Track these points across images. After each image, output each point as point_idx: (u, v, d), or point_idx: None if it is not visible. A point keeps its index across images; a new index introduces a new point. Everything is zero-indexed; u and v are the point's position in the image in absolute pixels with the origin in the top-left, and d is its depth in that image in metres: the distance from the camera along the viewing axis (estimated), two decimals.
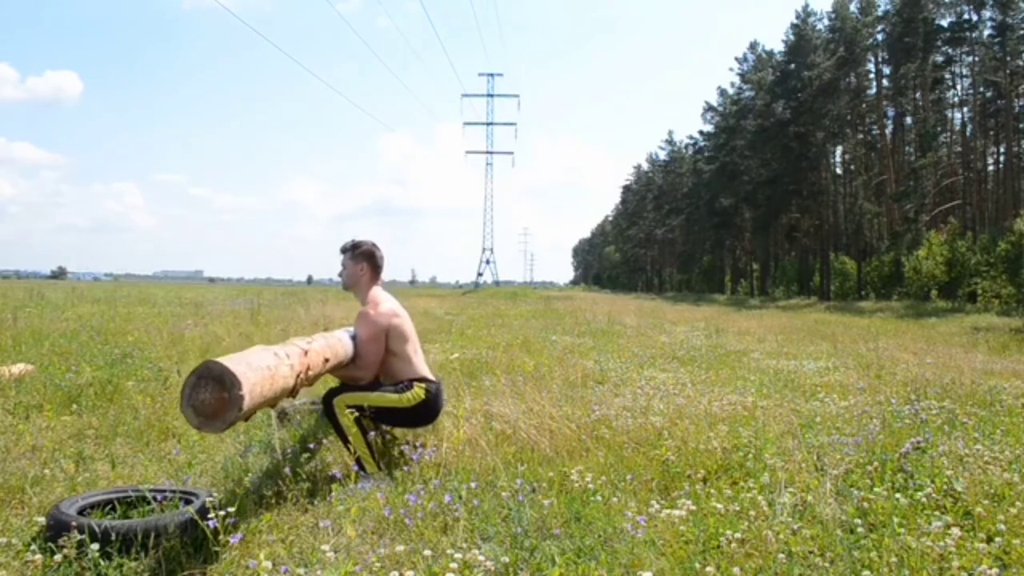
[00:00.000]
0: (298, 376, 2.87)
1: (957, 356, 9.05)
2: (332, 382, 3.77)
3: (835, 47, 39.59)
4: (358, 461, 3.41)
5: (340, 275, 3.86)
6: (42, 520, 2.69)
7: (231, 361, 2.40)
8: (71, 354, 7.22)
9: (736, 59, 55.03)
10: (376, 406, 3.52)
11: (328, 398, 3.51)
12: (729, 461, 3.56)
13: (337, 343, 3.47)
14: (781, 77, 43.81)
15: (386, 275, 3.91)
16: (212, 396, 2.33)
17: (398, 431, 4.11)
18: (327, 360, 3.24)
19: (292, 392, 2.88)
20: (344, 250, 3.84)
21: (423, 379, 3.68)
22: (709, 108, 58.99)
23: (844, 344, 11.16)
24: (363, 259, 3.79)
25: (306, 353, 3.00)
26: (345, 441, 3.46)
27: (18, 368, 5.88)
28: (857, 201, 39.98)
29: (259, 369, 2.52)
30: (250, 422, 4.70)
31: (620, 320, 16.64)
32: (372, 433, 3.43)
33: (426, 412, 3.65)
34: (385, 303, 3.71)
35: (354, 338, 3.68)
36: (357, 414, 3.44)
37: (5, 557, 2.48)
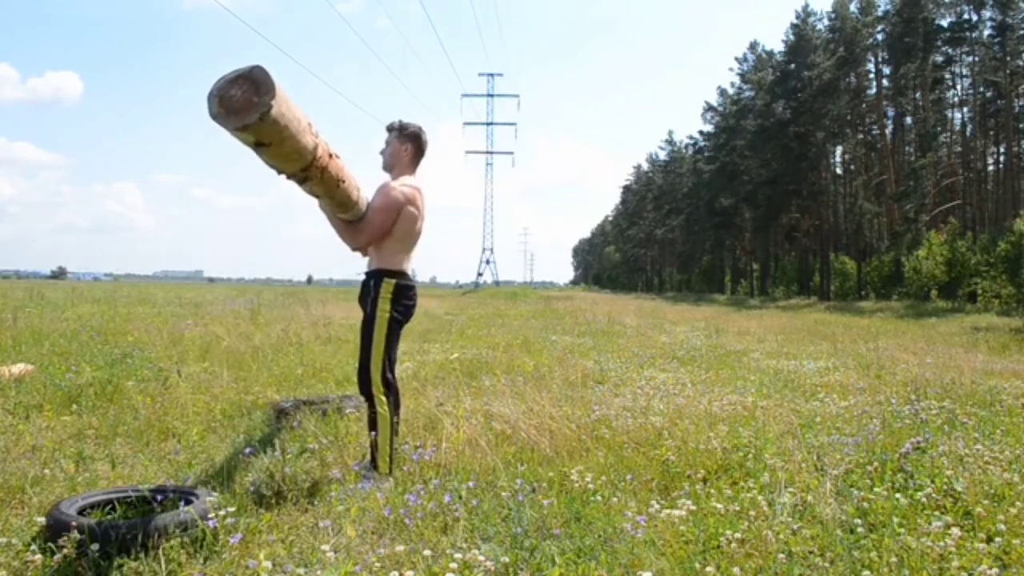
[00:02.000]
0: (316, 151, 2.79)
1: (957, 356, 9.04)
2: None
3: (835, 47, 39.59)
4: (373, 455, 3.39)
5: (381, 153, 3.73)
6: (42, 520, 2.69)
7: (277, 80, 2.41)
8: (71, 354, 7.23)
9: (736, 59, 55.12)
10: (385, 341, 3.48)
11: (365, 388, 3.48)
12: (729, 461, 3.56)
13: (355, 185, 3.36)
14: (781, 77, 43.80)
15: (419, 169, 3.80)
16: (243, 95, 2.33)
17: (399, 429, 4.11)
18: (341, 182, 3.14)
19: (307, 167, 2.80)
20: (391, 128, 3.72)
21: (400, 274, 3.58)
22: (709, 108, 59.03)
23: (844, 344, 11.16)
24: (409, 140, 3.68)
25: (331, 156, 2.95)
26: (373, 426, 3.43)
27: (18, 368, 5.89)
28: (857, 201, 39.98)
29: (295, 108, 2.52)
30: (250, 422, 4.71)
31: (620, 320, 16.64)
32: (397, 439, 3.42)
33: (403, 309, 3.57)
34: (412, 188, 3.59)
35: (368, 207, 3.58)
36: (393, 398, 3.42)
37: (5, 557, 2.47)
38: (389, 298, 3.51)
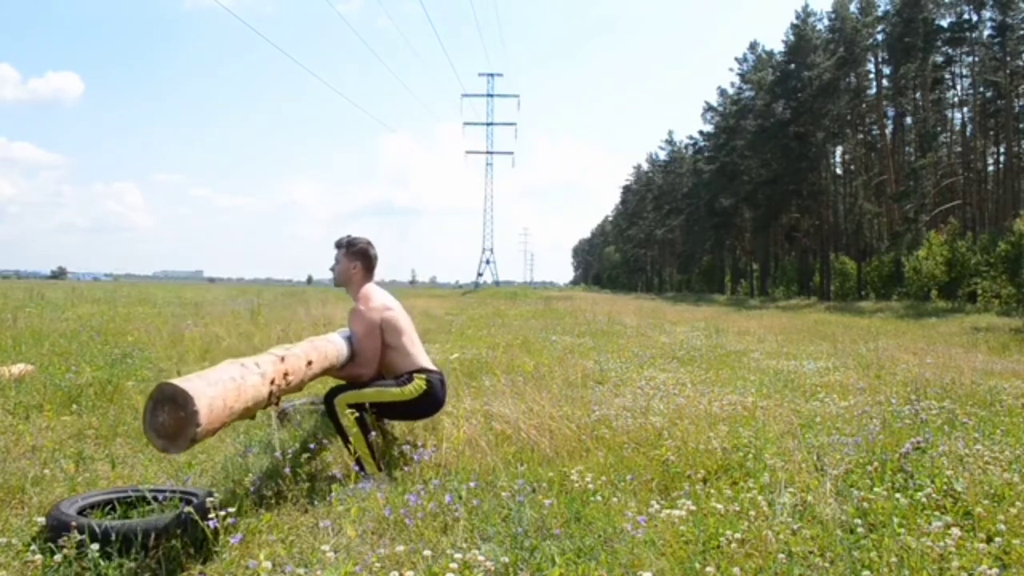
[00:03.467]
0: (272, 382, 2.85)
1: (957, 356, 9.04)
2: (333, 382, 3.77)
3: (835, 47, 39.60)
4: (358, 461, 3.41)
5: (332, 269, 3.84)
6: (42, 520, 2.69)
7: (185, 380, 2.41)
8: (71, 354, 7.22)
9: (736, 59, 55.10)
10: (378, 402, 3.52)
11: (329, 397, 3.51)
12: (729, 461, 3.55)
13: (325, 344, 3.46)
14: (781, 77, 43.81)
15: (386, 275, 3.92)
16: (170, 417, 2.33)
17: (398, 429, 4.12)
18: (310, 363, 3.21)
19: (269, 400, 2.86)
20: (339, 245, 3.81)
21: (423, 370, 3.66)
22: (709, 108, 59.01)
23: (844, 344, 11.16)
24: (357, 257, 3.78)
25: (282, 359, 2.99)
26: (346, 441, 3.46)
27: (18, 368, 5.89)
28: (857, 201, 39.98)
29: (219, 383, 2.51)
30: (250, 422, 4.71)
31: (620, 320, 16.64)
32: (373, 433, 3.43)
33: (428, 403, 3.64)
34: (376, 298, 3.69)
35: (349, 339, 3.67)
36: (358, 414, 3.43)
37: (5, 557, 2.47)
38: (422, 389, 3.59)
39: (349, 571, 2.20)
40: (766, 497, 2.93)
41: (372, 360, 3.63)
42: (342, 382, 3.65)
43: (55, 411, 4.64)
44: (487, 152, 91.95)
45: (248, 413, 2.77)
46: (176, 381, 2.38)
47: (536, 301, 30.87)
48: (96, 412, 4.74)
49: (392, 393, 3.55)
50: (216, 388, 2.47)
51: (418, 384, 3.58)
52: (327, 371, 3.49)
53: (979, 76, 36.18)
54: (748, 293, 53.07)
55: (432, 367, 3.75)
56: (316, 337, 3.64)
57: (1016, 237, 24.85)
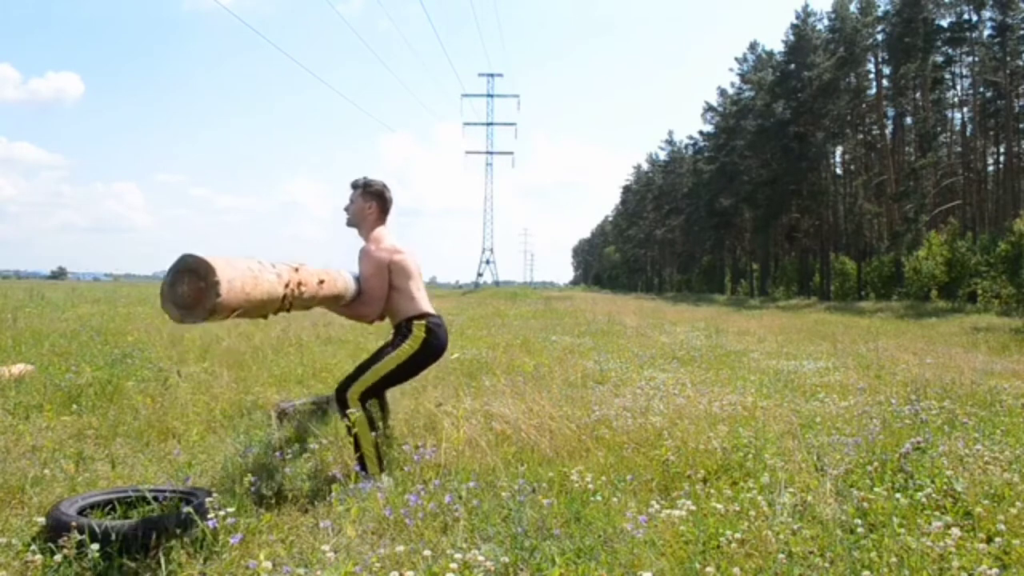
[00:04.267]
0: (287, 286, 2.83)
1: (957, 356, 9.05)
2: (340, 374, 3.73)
3: (835, 47, 39.60)
4: (360, 461, 3.40)
5: (346, 209, 3.76)
6: (42, 520, 2.69)
7: (207, 255, 2.42)
8: (71, 354, 7.23)
9: (736, 59, 55.12)
10: (386, 374, 3.49)
11: (341, 391, 3.49)
12: (729, 461, 3.55)
13: (336, 272, 3.42)
14: (781, 77, 43.82)
15: (388, 220, 3.82)
16: (190, 288, 2.34)
17: (399, 429, 4.11)
18: (322, 281, 3.18)
19: (282, 303, 2.83)
20: (355, 186, 3.75)
21: (424, 315, 3.62)
22: (709, 108, 59.02)
23: (844, 344, 11.16)
24: (372, 198, 3.71)
25: (296, 270, 2.97)
26: (355, 438, 3.43)
27: (18, 368, 5.89)
28: (857, 201, 39.97)
29: (239, 267, 2.52)
30: (250, 422, 4.71)
31: (620, 320, 16.64)
32: (375, 433, 3.41)
33: (432, 349, 3.60)
34: (387, 240, 3.64)
35: (358, 280, 3.62)
36: (365, 412, 3.42)
37: (5, 557, 2.48)
38: (421, 337, 3.55)
39: (349, 571, 2.20)
40: (766, 497, 2.93)
41: (377, 300, 3.57)
42: (350, 372, 3.60)
43: (55, 411, 4.64)
44: (487, 152, 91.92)
45: (262, 309, 2.73)
46: (198, 253, 2.39)
47: (536, 301, 30.87)
48: (96, 412, 4.74)
49: (395, 357, 3.50)
50: (235, 271, 2.48)
51: (417, 333, 3.53)
52: (334, 302, 3.43)
53: (979, 76, 36.18)
54: (748, 293, 53.08)
55: (433, 312, 3.70)
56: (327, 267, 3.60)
57: (1016, 237, 24.84)
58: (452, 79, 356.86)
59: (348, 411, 3.41)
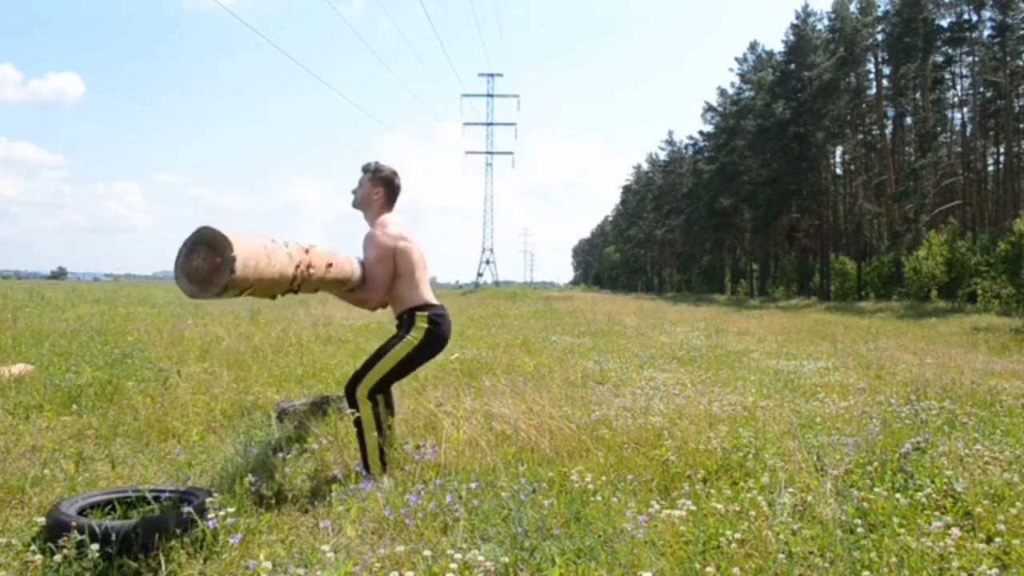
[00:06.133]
0: (297, 267, 2.82)
1: (957, 356, 9.05)
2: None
3: (835, 47, 39.60)
4: (363, 460, 3.39)
5: (353, 192, 3.75)
6: (42, 520, 2.69)
7: (224, 229, 2.39)
8: (71, 354, 7.22)
9: (736, 59, 55.12)
10: (393, 366, 3.48)
11: (350, 388, 3.49)
12: (729, 461, 3.55)
13: (344, 256, 3.41)
14: (781, 77, 43.81)
15: (395, 208, 3.81)
16: (205, 262, 2.33)
17: (399, 429, 4.11)
18: (331, 265, 3.17)
19: (292, 283, 2.82)
20: (365, 170, 3.74)
21: (427, 306, 3.61)
22: (709, 108, 59.01)
23: (844, 344, 11.16)
24: (381, 183, 3.70)
25: (307, 251, 2.96)
26: (361, 437, 3.44)
27: (18, 368, 5.88)
28: (857, 201, 39.98)
29: (253, 245, 2.50)
30: (250, 422, 4.71)
31: (620, 320, 16.64)
32: (381, 436, 3.41)
33: (436, 340, 3.59)
34: (393, 226, 3.62)
35: (363, 264, 3.61)
36: (375, 409, 3.42)
37: (5, 557, 2.48)
38: (424, 328, 3.54)
39: (349, 571, 2.20)
40: (766, 497, 2.93)
41: (381, 286, 3.56)
42: (359, 368, 3.60)
43: (55, 411, 4.64)
44: (487, 152, 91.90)
45: (272, 288, 2.73)
46: (216, 226, 2.36)
47: (536, 301, 30.86)
48: (96, 412, 4.74)
49: (402, 348, 3.50)
50: (251, 247, 2.46)
51: (420, 324, 3.52)
52: (338, 286, 3.43)
53: (979, 76, 36.18)
54: (748, 293, 53.06)
55: (436, 303, 3.69)
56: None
57: (1016, 237, 24.84)
58: (452, 79, 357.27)
59: (356, 409, 3.40)
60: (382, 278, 3.54)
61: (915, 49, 35.25)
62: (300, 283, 2.90)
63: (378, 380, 3.47)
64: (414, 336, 3.52)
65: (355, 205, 3.75)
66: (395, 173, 3.75)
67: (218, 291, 2.34)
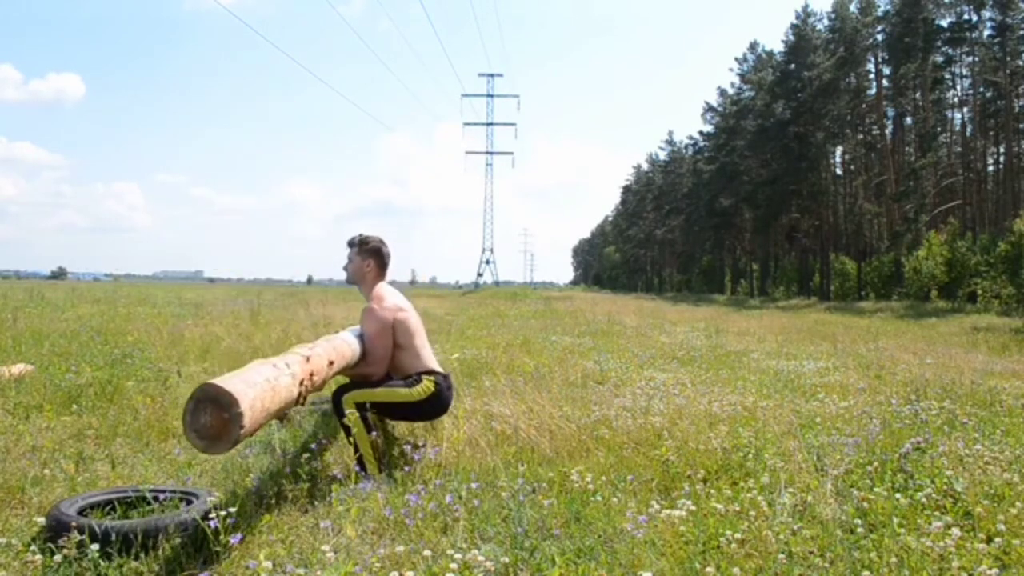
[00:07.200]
0: (301, 383, 2.88)
1: (957, 356, 9.05)
2: (341, 379, 3.76)
3: (835, 47, 39.59)
4: (359, 461, 3.41)
5: (345, 268, 3.85)
6: (42, 520, 2.69)
7: (227, 381, 2.40)
8: (71, 354, 7.22)
9: (736, 59, 55.10)
10: (385, 402, 3.52)
11: (337, 396, 3.51)
12: (729, 461, 3.55)
13: (342, 344, 3.47)
14: (781, 77, 43.81)
15: (388, 274, 3.90)
16: (212, 418, 2.33)
17: (399, 430, 4.12)
18: (332, 363, 3.25)
19: (298, 400, 2.89)
20: (352, 244, 3.83)
21: (432, 372, 3.67)
22: (709, 108, 59.01)
23: (844, 344, 11.16)
24: (370, 255, 3.79)
25: (308, 360, 3.00)
26: (349, 438, 3.45)
27: (18, 368, 5.88)
28: (857, 201, 39.98)
29: (257, 384, 2.52)
30: None
31: (620, 320, 16.63)
32: (374, 433, 3.42)
33: (435, 405, 3.65)
34: (389, 298, 3.70)
35: (360, 337, 3.68)
36: (362, 413, 3.43)
37: (5, 557, 2.47)
38: (431, 390, 3.59)
39: (349, 571, 2.20)
40: (766, 497, 2.93)
41: (383, 360, 3.63)
42: (349, 380, 3.64)
43: (55, 411, 4.64)
44: (487, 152, 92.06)
45: (279, 414, 2.79)
46: (219, 382, 2.37)
47: (536, 301, 30.86)
48: (96, 412, 4.74)
49: (401, 394, 3.56)
50: (255, 389, 2.48)
51: (426, 385, 3.59)
52: (342, 370, 3.49)
53: (979, 76, 36.18)
54: (748, 293, 53.06)
55: (440, 369, 3.76)
56: (331, 336, 3.65)
57: (1016, 237, 24.85)
58: (452, 79, 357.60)
59: (345, 414, 3.42)
60: (383, 351, 3.62)
61: (915, 49, 35.25)
62: (306, 395, 2.98)
63: (365, 400, 3.50)
64: (417, 392, 3.57)
65: (349, 281, 3.86)
66: (382, 242, 3.85)
67: (230, 446, 2.38)
